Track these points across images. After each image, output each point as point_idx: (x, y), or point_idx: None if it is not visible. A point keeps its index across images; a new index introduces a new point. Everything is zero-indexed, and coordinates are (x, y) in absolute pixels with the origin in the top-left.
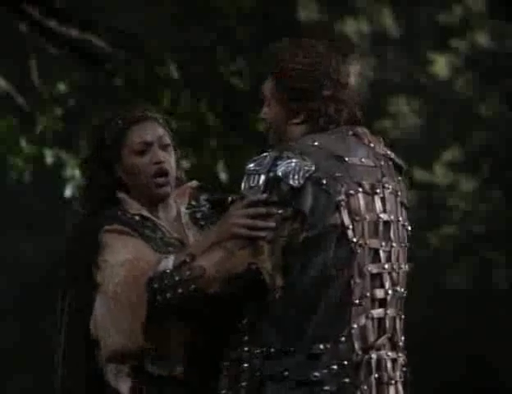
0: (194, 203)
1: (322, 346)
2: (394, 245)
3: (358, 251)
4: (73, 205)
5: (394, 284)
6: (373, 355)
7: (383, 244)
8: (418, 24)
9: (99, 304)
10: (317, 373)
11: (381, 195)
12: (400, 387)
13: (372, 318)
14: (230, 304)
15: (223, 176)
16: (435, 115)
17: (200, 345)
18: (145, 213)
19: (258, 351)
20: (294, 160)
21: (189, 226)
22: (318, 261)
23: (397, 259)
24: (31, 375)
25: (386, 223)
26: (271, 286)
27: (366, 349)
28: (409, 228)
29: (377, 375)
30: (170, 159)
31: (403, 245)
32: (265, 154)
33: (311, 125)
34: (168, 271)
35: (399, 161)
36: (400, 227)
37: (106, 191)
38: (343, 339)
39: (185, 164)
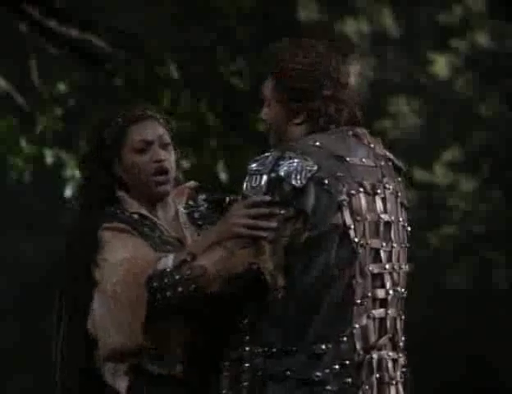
0: (191, 203)
1: (323, 346)
2: (394, 245)
3: (360, 251)
4: (73, 205)
5: (394, 284)
6: (374, 355)
7: (384, 244)
8: (418, 24)
9: (98, 303)
10: (318, 373)
11: (382, 196)
12: (401, 388)
13: (374, 318)
14: (231, 304)
15: (223, 176)
16: (435, 115)
17: (200, 345)
18: (144, 211)
19: (259, 351)
20: (296, 160)
21: (187, 226)
22: (320, 261)
23: (398, 260)
24: (31, 375)
25: (387, 224)
26: (272, 286)
27: (367, 349)
28: (409, 229)
29: (378, 375)
30: (170, 158)
31: (403, 245)
32: (267, 154)
33: (311, 126)
34: (168, 270)
35: (398, 162)
36: (401, 228)
37: (105, 191)
38: (345, 339)
39: (185, 164)
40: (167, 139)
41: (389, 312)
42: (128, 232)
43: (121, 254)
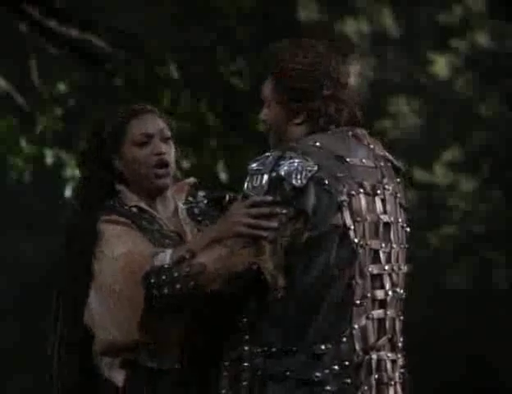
0: (191, 199)
1: (323, 347)
2: (394, 246)
3: (360, 252)
4: (73, 205)
5: (394, 285)
6: (374, 356)
7: (383, 245)
8: (418, 24)
9: (94, 298)
10: (318, 374)
11: (382, 196)
12: (399, 389)
13: (373, 319)
14: (231, 303)
15: (223, 176)
16: (435, 115)
17: (200, 345)
18: (143, 205)
19: (258, 350)
20: (296, 160)
21: (186, 221)
22: (320, 261)
23: (397, 260)
24: (31, 375)
25: (386, 224)
26: (272, 286)
27: (366, 349)
28: (408, 230)
29: (377, 376)
30: (170, 152)
31: (402, 246)
32: (267, 154)
33: (311, 126)
34: (166, 266)
35: (397, 163)
36: (400, 229)
37: (105, 187)
38: (344, 339)
39: (185, 164)
40: (168, 133)
41: (388, 313)
42: (126, 225)
43: (118, 249)
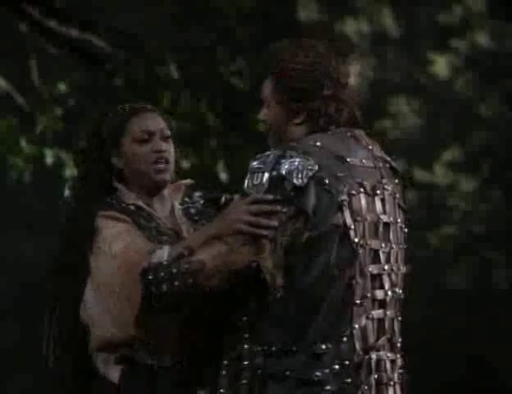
0: (187, 199)
1: (324, 346)
2: (393, 246)
3: (360, 251)
4: (70, 204)
5: (393, 285)
6: (373, 356)
7: (383, 245)
8: (418, 24)
9: (90, 294)
10: (318, 373)
11: (381, 197)
12: (398, 389)
13: (373, 319)
14: (230, 302)
15: (223, 176)
16: (435, 115)
17: (200, 344)
18: (141, 203)
19: (258, 349)
20: (297, 159)
21: (183, 221)
22: (321, 261)
23: (396, 261)
24: (31, 375)
25: (386, 225)
26: (271, 284)
27: (366, 349)
28: (406, 230)
29: (376, 376)
30: (170, 150)
31: (401, 246)
32: (268, 153)
33: (311, 126)
34: (165, 263)
35: (394, 164)
36: (398, 229)
37: (104, 185)
38: (345, 339)
39: (185, 164)
40: (168, 132)
41: (387, 313)
42: (125, 222)
43: (115, 245)
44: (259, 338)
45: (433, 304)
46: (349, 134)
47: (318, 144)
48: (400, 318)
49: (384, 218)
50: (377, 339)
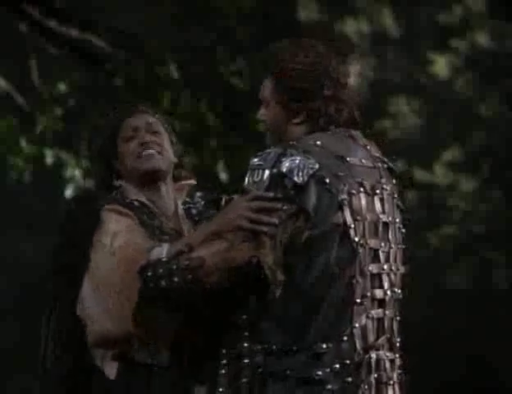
0: (188, 199)
1: (324, 346)
2: (392, 246)
3: (360, 251)
4: (70, 205)
5: (392, 285)
6: (373, 355)
7: (382, 244)
8: (418, 24)
9: (88, 289)
10: (319, 372)
11: (381, 196)
12: (398, 388)
13: (372, 318)
14: (230, 301)
15: (223, 176)
16: (435, 115)
17: (200, 344)
18: (144, 199)
19: (258, 347)
20: (298, 158)
21: (185, 221)
22: (321, 260)
23: (395, 260)
24: (31, 375)
25: (385, 224)
26: (271, 281)
27: (366, 348)
28: (404, 231)
29: (376, 375)
30: (158, 142)
31: (400, 246)
32: (269, 151)
33: (311, 125)
34: (164, 259)
35: (391, 164)
36: (397, 229)
37: (105, 183)
38: (345, 338)
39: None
40: (158, 128)
41: (387, 312)
42: (127, 216)
43: (116, 241)
44: (259, 337)
45: (433, 304)
46: (347, 134)
47: (318, 143)
48: (398, 318)
49: (383, 218)
50: (377, 338)
